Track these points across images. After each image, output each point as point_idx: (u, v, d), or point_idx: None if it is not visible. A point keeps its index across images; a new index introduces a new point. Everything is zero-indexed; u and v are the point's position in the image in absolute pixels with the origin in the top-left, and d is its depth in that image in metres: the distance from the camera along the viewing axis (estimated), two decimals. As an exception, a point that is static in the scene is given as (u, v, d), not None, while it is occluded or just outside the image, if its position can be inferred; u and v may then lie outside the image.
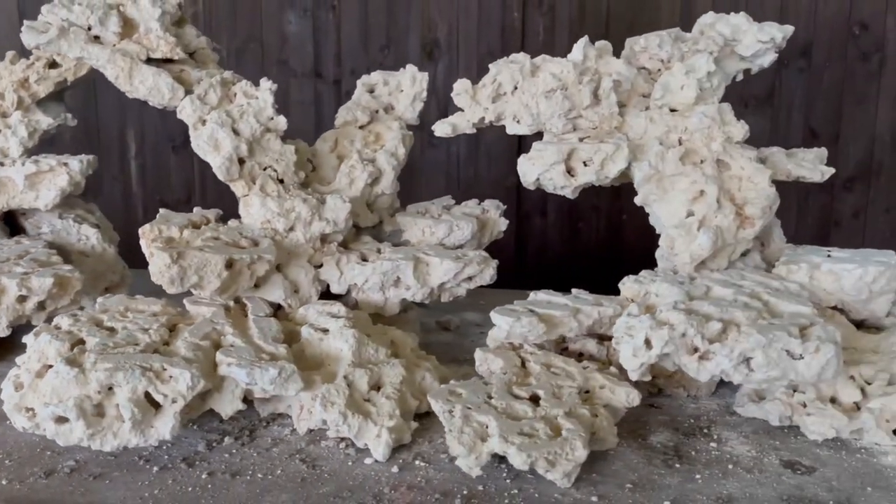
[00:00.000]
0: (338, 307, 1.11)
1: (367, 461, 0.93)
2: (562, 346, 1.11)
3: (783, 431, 1.01)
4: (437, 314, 1.50)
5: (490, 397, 0.93)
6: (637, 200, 1.20)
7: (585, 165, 1.19)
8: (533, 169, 1.20)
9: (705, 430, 1.02)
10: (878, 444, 0.97)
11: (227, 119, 1.17)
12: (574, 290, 1.14)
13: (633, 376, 0.95)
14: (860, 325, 1.14)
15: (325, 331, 1.05)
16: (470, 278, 1.22)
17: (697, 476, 0.91)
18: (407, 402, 1.00)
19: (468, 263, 1.20)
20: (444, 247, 1.27)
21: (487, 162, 2.26)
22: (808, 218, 2.22)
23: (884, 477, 0.90)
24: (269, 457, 0.94)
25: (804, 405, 1.00)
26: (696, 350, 0.93)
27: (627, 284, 1.08)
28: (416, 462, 0.93)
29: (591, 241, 2.27)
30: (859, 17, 2.10)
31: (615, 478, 0.90)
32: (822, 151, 1.26)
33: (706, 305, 0.98)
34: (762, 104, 2.16)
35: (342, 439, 0.97)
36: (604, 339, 1.10)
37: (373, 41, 2.19)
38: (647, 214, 1.19)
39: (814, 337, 0.91)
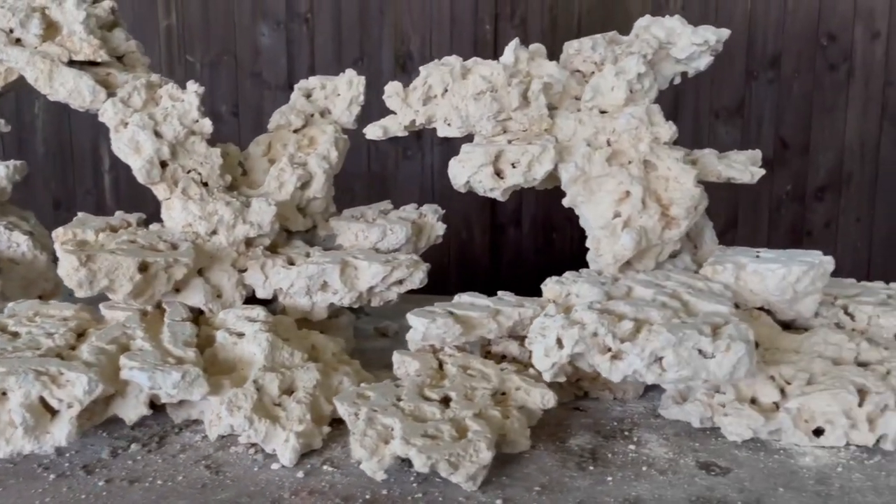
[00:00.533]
0: (257, 311, 1.09)
1: (274, 466, 0.91)
2: (486, 349, 1.10)
3: (705, 433, 1.00)
4: (378, 321, 1.48)
5: (399, 399, 0.91)
6: (565, 202, 1.19)
7: (513, 167, 1.18)
8: (462, 171, 1.19)
9: (626, 433, 1.00)
10: (797, 445, 0.95)
11: (148, 121, 1.15)
12: (500, 293, 1.13)
13: (547, 377, 0.94)
14: (789, 326, 1.13)
15: (241, 335, 1.03)
16: (400, 282, 1.21)
17: (609, 478, 0.89)
18: (320, 407, 0.98)
19: (397, 267, 1.19)
20: (378, 251, 1.26)
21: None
22: (781, 228, 2.22)
23: (798, 478, 0.89)
24: (174, 463, 0.92)
25: (723, 406, 0.98)
26: (608, 350, 0.92)
27: (549, 285, 1.07)
28: (325, 467, 0.91)
29: (566, 251, 2.26)
30: (827, 28, 2.11)
31: (525, 481, 0.88)
32: (756, 153, 1.26)
33: (622, 305, 0.96)
34: (733, 115, 2.16)
35: (252, 445, 0.95)
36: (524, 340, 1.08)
37: (346, 54, 2.19)
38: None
39: (725, 335, 0.89)
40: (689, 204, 1.10)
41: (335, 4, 2.19)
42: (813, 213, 2.21)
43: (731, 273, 1.09)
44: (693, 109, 2.16)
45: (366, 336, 1.42)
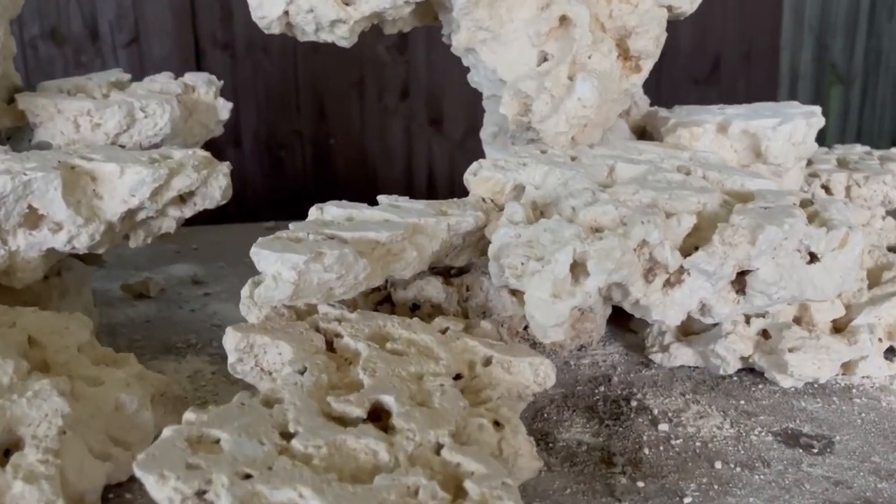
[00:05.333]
0: None
1: None
2: (380, 298, 0.62)
3: (733, 382, 0.65)
4: (122, 274, 0.91)
5: (290, 436, 0.41)
6: (456, 45, 0.72)
7: (370, -18, 0.68)
8: (277, -6, 0.67)
9: (633, 404, 0.61)
10: (868, 378, 0.65)
11: None
12: (382, 198, 0.65)
13: (555, 335, 0.49)
14: (763, 210, 0.82)
15: None
16: (182, 198, 0.67)
17: (687, 500, 0.49)
18: (81, 474, 0.43)
19: (177, 170, 0.64)
20: (123, 149, 0.69)
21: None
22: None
23: (925, 431, 0.58)
24: None
25: (766, 335, 0.64)
26: (652, 271, 0.51)
27: (483, 174, 0.61)
28: None
29: (297, 171, 1.83)
30: None
31: (561, 545, 0.45)
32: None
33: (641, 192, 0.55)
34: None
35: None
36: (450, 276, 0.63)
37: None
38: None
39: (835, 221, 0.53)
40: (657, 31, 0.71)
41: None
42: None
43: (711, 136, 0.73)
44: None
45: (108, 301, 0.85)
